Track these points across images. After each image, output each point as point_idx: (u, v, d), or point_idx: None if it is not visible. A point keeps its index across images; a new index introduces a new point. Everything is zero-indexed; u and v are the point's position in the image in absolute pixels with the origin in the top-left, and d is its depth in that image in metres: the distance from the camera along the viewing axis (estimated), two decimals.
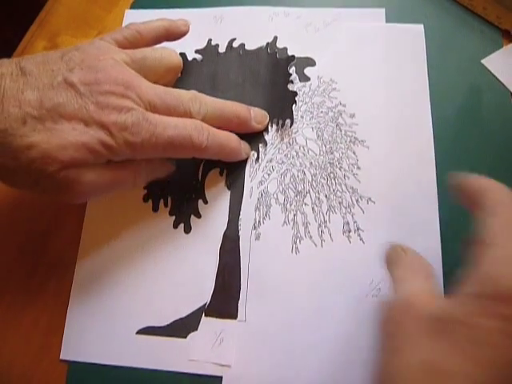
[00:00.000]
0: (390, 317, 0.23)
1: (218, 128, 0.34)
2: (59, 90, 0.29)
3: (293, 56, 0.39)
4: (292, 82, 0.39)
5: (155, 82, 0.33)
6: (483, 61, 0.39)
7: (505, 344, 0.19)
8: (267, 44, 0.41)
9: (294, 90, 0.38)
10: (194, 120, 0.32)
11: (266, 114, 0.37)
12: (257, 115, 0.36)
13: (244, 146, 0.36)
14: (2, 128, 0.27)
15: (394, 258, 0.27)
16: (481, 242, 0.22)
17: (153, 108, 0.31)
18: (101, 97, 0.29)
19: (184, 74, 0.39)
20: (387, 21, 0.41)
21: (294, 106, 0.38)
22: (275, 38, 0.41)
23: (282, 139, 0.37)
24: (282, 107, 0.38)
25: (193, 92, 0.33)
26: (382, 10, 0.41)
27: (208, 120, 0.33)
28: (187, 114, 0.32)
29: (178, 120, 0.31)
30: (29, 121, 0.27)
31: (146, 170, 0.34)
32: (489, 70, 0.38)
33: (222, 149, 0.34)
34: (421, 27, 0.40)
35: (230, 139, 0.35)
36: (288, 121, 0.37)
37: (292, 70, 0.39)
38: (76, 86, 0.29)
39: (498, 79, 0.38)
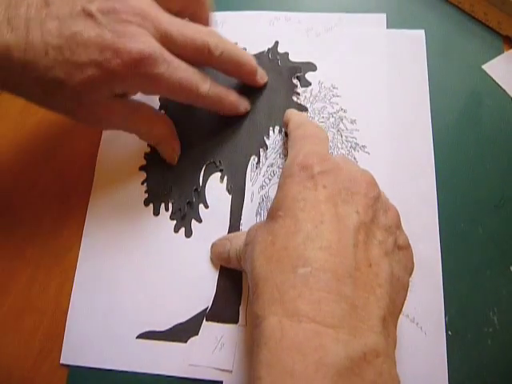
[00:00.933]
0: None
1: (227, 71, 0.36)
2: (78, 19, 0.29)
3: (299, 68, 0.40)
4: (299, 94, 0.39)
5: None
6: (484, 66, 0.39)
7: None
8: (268, 49, 0.41)
9: (301, 100, 0.39)
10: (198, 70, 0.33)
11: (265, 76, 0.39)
12: (260, 71, 0.38)
13: (243, 101, 0.37)
14: (28, 59, 0.28)
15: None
16: (289, 146, 0.31)
17: (169, 38, 0.31)
18: (118, 25, 0.29)
19: None
20: (388, 26, 0.41)
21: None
22: (276, 43, 0.41)
23: (284, 144, 0.37)
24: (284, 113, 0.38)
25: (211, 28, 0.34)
26: (383, 16, 0.41)
27: (223, 58, 0.34)
28: (205, 47, 0.32)
29: (187, 65, 0.32)
30: (50, 51, 0.28)
31: (159, 130, 0.36)
32: (490, 76, 0.39)
33: (221, 100, 0.35)
34: (422, 33, 0.40)
35: (230, 92, 0.36)
36: None
37: (296, 81, 0.39)
38: (94, 15, 0.29)
39: (498, 85, 0.38)
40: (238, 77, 0.38)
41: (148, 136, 0.36)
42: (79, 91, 0.30)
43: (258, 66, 0.37)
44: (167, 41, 0.31)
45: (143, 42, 0.30)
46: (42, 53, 0.28)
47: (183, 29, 0.32)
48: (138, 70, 0.30)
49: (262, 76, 0.38)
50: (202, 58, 0.33)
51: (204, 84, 0.33)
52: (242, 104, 0.38)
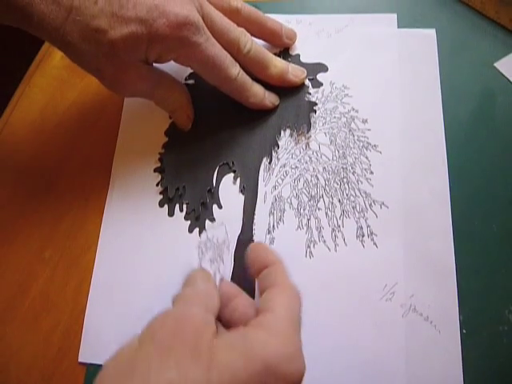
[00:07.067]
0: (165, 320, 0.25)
1: (252, 70, 0.38)
2: None
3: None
4: (310, 93, 0.39)
5: None
6: (496, 64, 0.39)
7: None
8: (280, 51, 0.41)
9: (313, 100, 0.39)
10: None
11: (304, 70, 0.40)
12: (291, 72, 0.39)
13: (270, 95, 0.38)
14: (77, 5, 0.30)
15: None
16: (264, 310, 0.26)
17: (210, 21, 0.34)
18: None
19: (198, 80, 0.40)
20: (399, 26, 0.41)
21: (312, 114, 0.38)
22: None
23: (296, 144, 0.38)
24: (296, 114, 0.38)
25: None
26: (394, 15, 0.42)
27: (250, 57, 0.36)
28: (235, 42, 0.35)
29: (221, 47, 0.34)
30: (99, 1, 0.30)
31: (177, 96, 0.37)
32: (502, 74, 0.38)
33: (247, 88, 0.37)
34: (433, 32, 0.40)
35: (256, 84, 0.38)
36: (304, 126, 0.38)
37: (307, 82, 0.40)
38: None
39: (511, 82, 0.38)
40: (263, 78, 0.38)
41: (167, 103, 0.38)
42: (117, 47, 0.31)
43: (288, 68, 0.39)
44: (208, 22, 0.34)
45: (189, 10, 0.32)
46: (91, 1, 0.30)
47: (223, 19, 0.35)
48: (180, 34, 0.32)
49: (294, 75, 0.39)
50: (230, 52, 0.35)
51: (233, 68, 0.35)
52: (269, 98, 0.38)
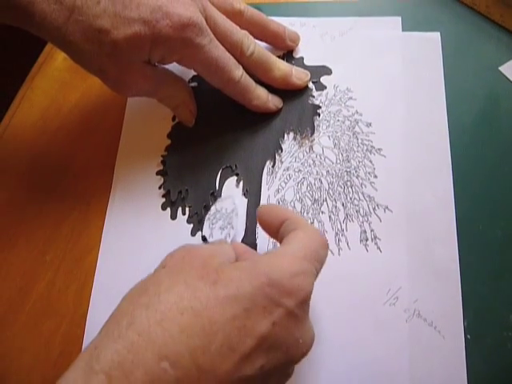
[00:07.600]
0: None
1: (255, 73, 0.38)
2: None
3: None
4: (314, 96, 0.39)
5: None
6: (501, 68, 0.39)
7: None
8: (284, 54, 0.41)
9: (317, 103, 0.39)
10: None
11: (308, 73, 0.40)
12: (294, 76, 0.39)
13: (273, 98, 0.38)
14: (79, 5, 0.30)
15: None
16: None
17: (213, 23, 0.34)
18: None
19: (201, 82, 0.40)
20: (403, 29, 0.41)
21: (316, 117, 0.38)
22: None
23: (299, 148, 0.37)
24: (300, 117, 0.38)
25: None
26: (399, 19, 0.42)
27: (253, 59, 0.36)
28: (238, 45, 0.35)
29: (224, 49, 0.34)
30: (102, 1, 0.30)
31: (180, 93, 0.38)
32: (506, 77, 0.38)
33: (250, 91, 0.37)
34: (437, 35, 0.40)
35: (259, 86, 0.38)
36: (308, 129, 0.38)
37: (311, 85, 0.40)
38: None
39: None
40: (266, 81, 0.38)
41: (170, 100, 0.38)
42: (120, 47, 0.31)
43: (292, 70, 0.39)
44: (211, 24, 0.34)
45: (193, 12, 0.32)
46: (94, 1, 0.30)
47: (226, 21, 0.35)
48: (184, 35, 0.32)
49: (298, 77, 0.39)
50: (233, 54, 0.35)
51: (237, 70, 0.35)
52: (272, 101, 0.38)
